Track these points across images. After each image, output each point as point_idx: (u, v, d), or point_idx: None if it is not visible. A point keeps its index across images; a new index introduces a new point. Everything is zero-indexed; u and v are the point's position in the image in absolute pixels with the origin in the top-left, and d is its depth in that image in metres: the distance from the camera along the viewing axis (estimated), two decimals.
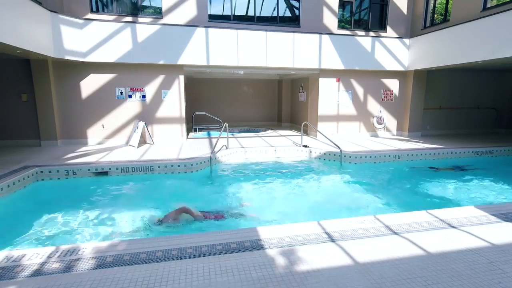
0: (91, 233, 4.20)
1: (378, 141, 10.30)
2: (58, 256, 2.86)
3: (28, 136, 8.81)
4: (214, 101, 14.45)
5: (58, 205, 4.98)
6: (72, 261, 2.78)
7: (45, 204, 5.10)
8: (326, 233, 3.36)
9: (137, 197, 5.51)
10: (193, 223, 4.40)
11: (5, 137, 8.74)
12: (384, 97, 11.33)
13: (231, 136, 10.63)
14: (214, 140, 9.84)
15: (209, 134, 11.99)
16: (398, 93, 11.43)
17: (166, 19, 9.44)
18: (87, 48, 8.40)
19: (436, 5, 10.81)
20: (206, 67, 9.65)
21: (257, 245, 3.07)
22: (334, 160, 8.02)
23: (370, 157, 7.95)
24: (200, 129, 13.03)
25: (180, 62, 9.11)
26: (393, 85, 11.36)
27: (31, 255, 2.88)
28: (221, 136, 8.39)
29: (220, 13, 10.13)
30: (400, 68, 10.93)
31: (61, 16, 7.87)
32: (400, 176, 7.24)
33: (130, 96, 9.27)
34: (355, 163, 7.81)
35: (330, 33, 10.26)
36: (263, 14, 10.51)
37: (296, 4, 10.55)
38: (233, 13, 10.20)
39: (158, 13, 9.51)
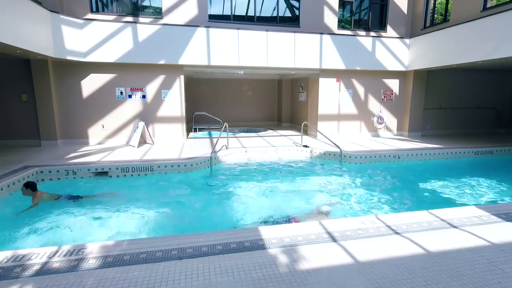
0: (91, 233, 4.20)
1: (378, 140, 10.29)
2: (58, 256, 2.86)
3: (28, 136, 8.81)
4: (214, 101, 14.45)
5: (58, 205, 4.98)
6: (72, 261, 2.78)
7: (45, 204, 5.09)
8: (327, 233, 3.36)
9: (137, 197, 5.51)
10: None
11: (5, 137, 8.74)
12: (384, 97, 11.33)
13: (231, 136, 10.62)
14: (214, 140, 9.84)
15: (209, 134, 11.99)
16: (398, 93, 11.43)
17: (166, 19, 9.44)
18: (87, 48, 8.40)
19: (436, 5, 10.80)
20: (206, 67, 9.65)
21: (257, 245, 3.07)
22: (334, 160, 8.02)
23: (370, 157, 7.95)
24: (200, 129, 13.03)
25: (181, 62, 9.10)
26: (393, 85, 11.36)
27: (31, 255, 2.88)
28: (221, 136, 8.40)
29: (220, 13, 10.13)
30: (401, 68, 10.93)
31: (61, 16, 7.87)
32: (400, 176, 7.23)
33: (130, 96, 9.27)
34: (355, 163, 7.82)
35: (330, 33, 10.25)
36: (263, 14, 10.51)
37: (296, 4, 10.55)
38: (233, 13, 10.20)
39: (158, 13, 9.51)
